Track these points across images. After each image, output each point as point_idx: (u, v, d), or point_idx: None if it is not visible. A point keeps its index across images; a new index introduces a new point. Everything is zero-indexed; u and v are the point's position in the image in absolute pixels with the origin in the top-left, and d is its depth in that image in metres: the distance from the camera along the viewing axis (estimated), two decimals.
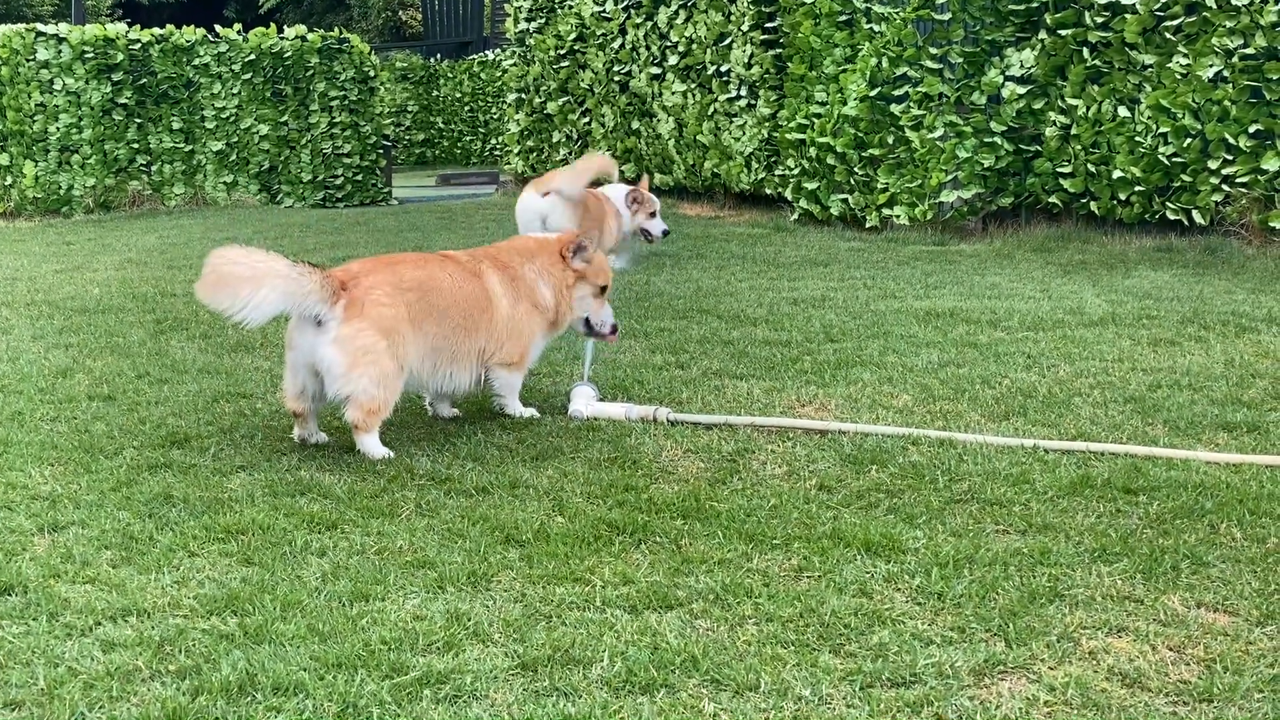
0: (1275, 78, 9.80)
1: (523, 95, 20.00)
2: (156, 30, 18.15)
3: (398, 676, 3.09)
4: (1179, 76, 10.37)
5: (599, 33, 17.60)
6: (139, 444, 5.23)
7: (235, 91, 18.44)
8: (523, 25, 19.69)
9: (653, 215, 10.26)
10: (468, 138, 31.98)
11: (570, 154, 18.71)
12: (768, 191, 14.48)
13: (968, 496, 4.42)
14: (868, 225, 12.60)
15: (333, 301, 4.98)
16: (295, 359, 5.09)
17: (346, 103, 18.97)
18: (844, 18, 12.90)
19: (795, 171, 13.56)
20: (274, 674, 3.09)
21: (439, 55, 33.84)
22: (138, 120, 17.82)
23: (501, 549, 3.97)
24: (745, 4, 14.31)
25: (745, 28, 14.37)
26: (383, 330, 5.02)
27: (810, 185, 13.32)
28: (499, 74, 28.68)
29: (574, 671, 3.12)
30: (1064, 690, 3.00)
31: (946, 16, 11.89)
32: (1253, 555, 3.81)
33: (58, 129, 17.25)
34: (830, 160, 12.95)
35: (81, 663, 3.19)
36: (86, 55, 17.35)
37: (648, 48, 16.50)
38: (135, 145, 17.81)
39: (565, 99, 18.71)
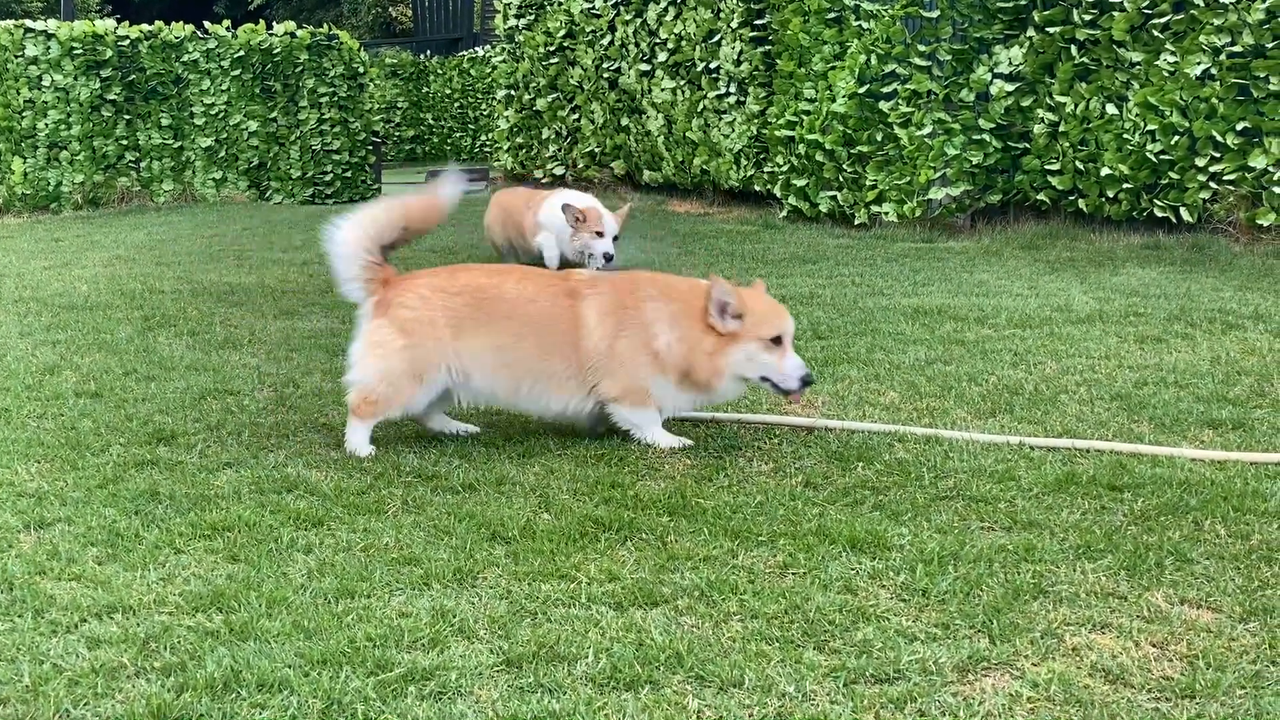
0: (1262, 75, 9.82)
1: (512, 92, 19.98)
2: (145, 26, 18.11)
3: (382, 673, 3.09)
4: (1167, 74, 10.39)
5: (588, 29, 17.60)
6: (126, 441, 5.22)
7: (224, 88, 18.40)
8: (512, 22, 19.68)
9: (599, 235, 9.07)
10: (457, 134, 31.95)
11: (560, 150, 18.70)
12: (756, 188, 14.49)
13: (953, 493, 4.43)
14: (856, 222, 12.61)
15: (367, 294, 5.15)
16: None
17: (336, 99, 18.94)
18: (833, 15, 12.91)
19: (784, 168, 13.56)
20: (259, 671, 3.09)
21: (429, 52, 33.80)
22: (127, 117, 17.79)
23: (488, 546, 3.98)
24: (734, 1, 14.31)
25: (734, 25, 14.37)
26: (401, 329, 5.05)
27: (799, 182, 13.33)
28: (488, 70, 28.65)
29: (559, 668, 3.13)
30: (1047, 686, 3.01)
31: (935, 14, 11.90)
32: (1236, 552, 3.82)
33: (46, 125, 17.21)
34: (819, 157, 12.96)
35: (66, 659, 3.19)
36: (75, 51, 17.31)
37: (637, 44, 16.49)
38: (124, 142, 17.77)
39: (554, 95, 18.69)
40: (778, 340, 4.98)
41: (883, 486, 4.54)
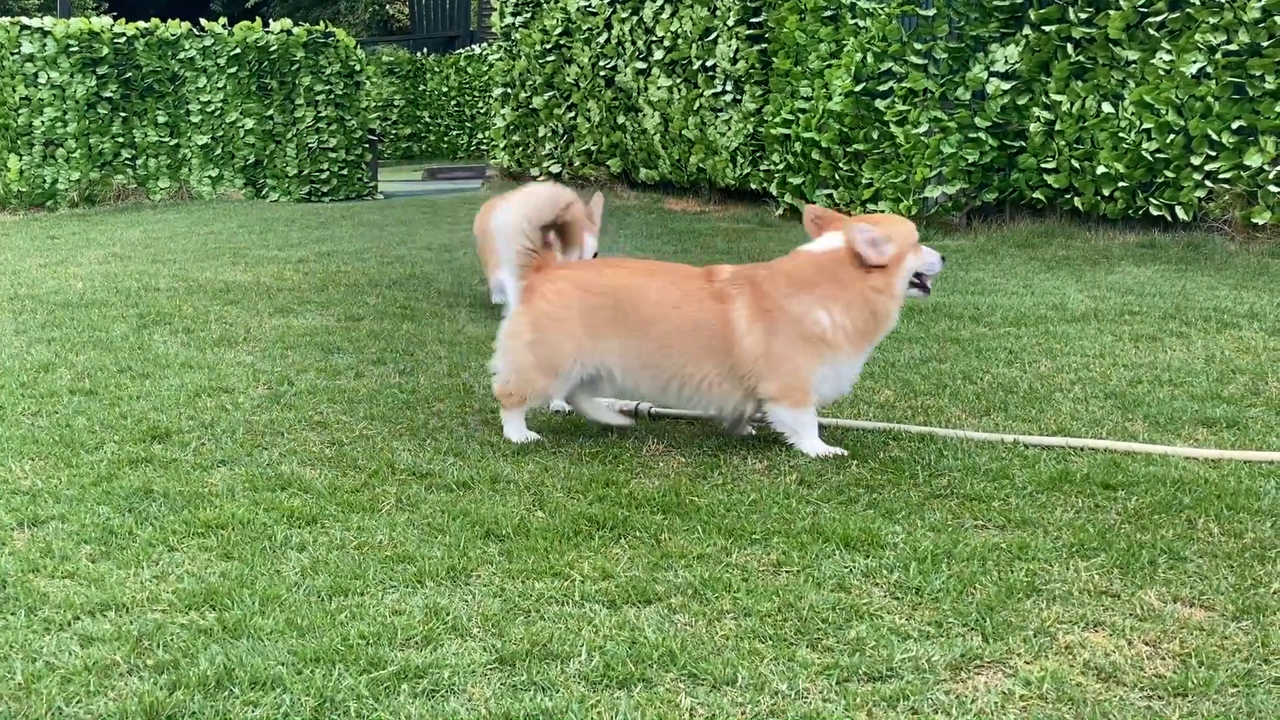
0: (1258, 74, 9.83)
1: (508, 90, 19.98)
2: (142, 24, 18.10)
3: (375, 671, 3.09)
4: (1163, 72, 10.39)
5: (584, 27, 17.59)
6: (120, 438, 5.22)
7: (220, 86, 18.39)
8: (508, 20, 19.67)
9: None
10: (454, 132, 31.95)
11: (556, 148, 18.69)
12: (753, 186, 14.49)
13: (947, 492, 4.43)
14: None
15: (519, 278, 5.22)
16: None
17: (332, 97, 18.93)
18: (829, 13, 12.91)
19: (780, 166, 13.57)
20: (252, 668, 3.08)
21: (425, 50, 33.79)
22: (123, 114, 17.78)
23: (481, 544, 3.97)
24: None
25: (731, 23, 14.37)
26: (533, 324, 5.13)
27: (795, 180, 13.33)
28: (485, 68, 28.66)
29: (552, 666, 3.13)
30: (1039, 684, 3.01)
31: (931, 12, 11.90)
32: (1229, 550, 3.83)
33: (42, 123, 17.20)
34: (815, 155, 12.96)
35: (59, 657, 3.19)
36: (71, 49, 17.30)
37: (633, 42, 16.49)
38: (120, 139, 17.76)
39: (551, 94, 18.69)
40: (917, 244, 5.10)
41: (877, 484, 4.54)
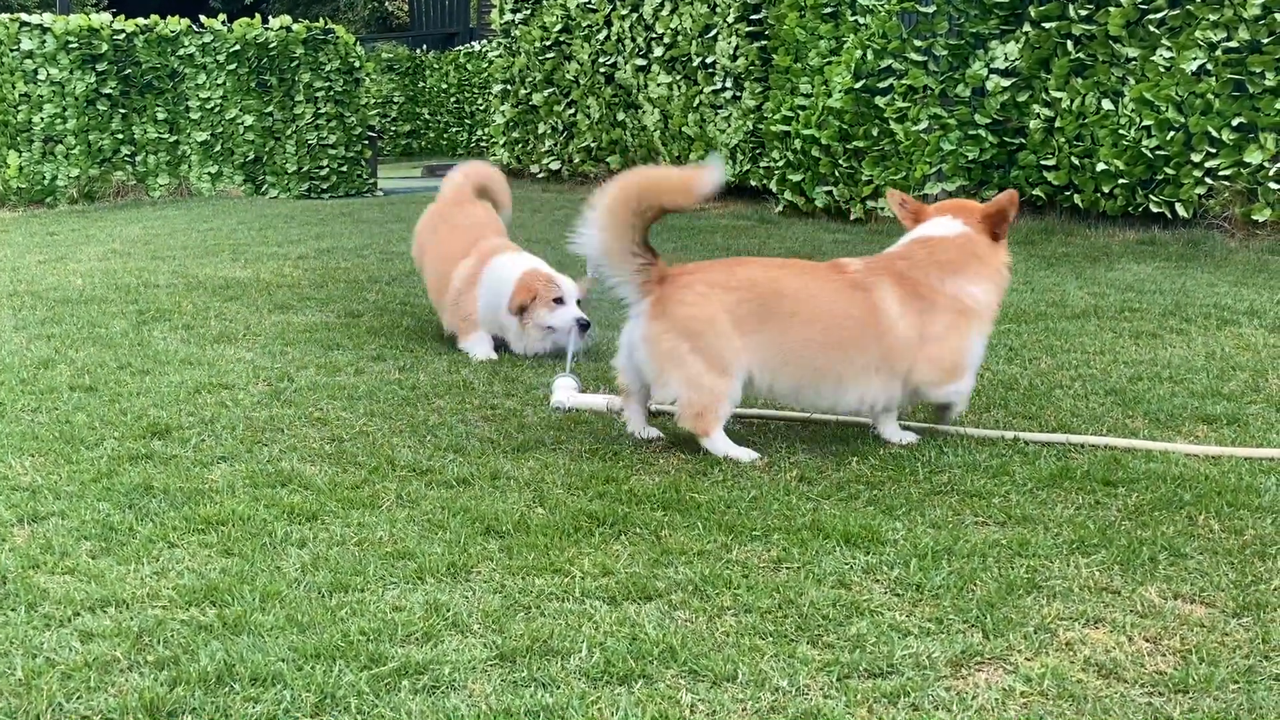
0: (1258, 71, 9.82)
1: (508, 87, 19.97)
2: (141, 20, 18.07)
3: (376, 667, 3.09)
4: (1163, 69, 10.39)
5: (584, 24, 17.59)
6: (120, 435, 5.21)
7: (220, 82, 18.37)
8: (508, 16, 19.66)
9: (559, 302, 6.83)
10: (454, 129, 31.93)
11: (556, 145, 18.68)
12: (752, 183, 14.48)
13: (947, 488, 4.43)
14: (852, 217, 12.61)
15: (642, 294, 4.93)
16: (620, 341, 5.15)
17: (332, 94, 18.91)
18: (829, 10, 12.90)
19: (780, 163, 13.56)
20: (252, 665, 3.08)
21: (425, 46, 33.77)
22: (122, 111, 17.75)
23: (481, 540, 3.97)
24: None
25: (730, 19, 14.37)
26: (684, 331, 4.83)
27: (795, 177, 13.33)
28: (485, 65, 28.64)
29: (552, 662, 3.13)
30: (1040, 681, 3.01)
31: (931, 9, 11.90)
32: (1230, 547, 3.83)
33: (42, 119, 17.17)
34: (815, 152, 12.96)
35: (60, 653, 3.19)
36: (71, 45, 17.27)
37: (633, 39, 16.49)
38: (120, 136, 17.74)
39: (551, 90, 18.68)
40: None
41: (877, 481, 4.54)
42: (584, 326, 6.73)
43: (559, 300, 6.81)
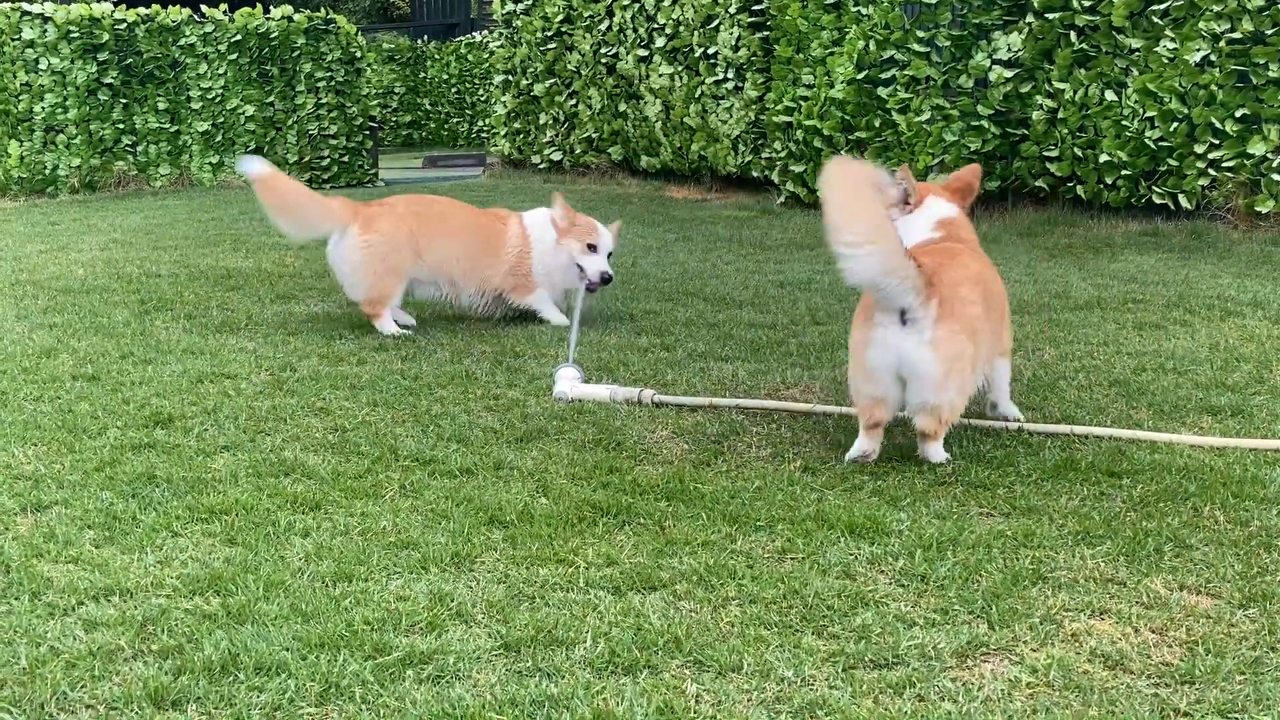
0: (1262, 62, 9.80)
1: (510, 77, 19.93)
2: (142, 10, 18.03)
3: (380, 657, 3.09)
4: (1166, 61, 10.37)
5: (586, 14, 17.55)
6: (123, 424, 5.21)
7: (221, 72, 18.35)
8: (510, 7, 19.61)
9: (592, 249, 7.23)
10: (455, 120, 31.90)
11: (557, 136, 18.66)
12: (754, 174, 14.47)
13: (952, 479, 4.43)
14: None
15: (926, 297, 4.38)
16: (877, 359, 4.49)
17: (333, 84, 18.90)
18: (831, 1, 12.88)
19: (782, 154, 13.55)
20: (256, 654, 3.08)
21: (426, 37, 33.73)
22: (123, 100, 17.73)
23: (485, 530, 3.97)
24: None
25: (732, 10, 14.35)
26: (970, 333, 4.48)
27: (797, 168, 13.31)
28: (486, 56, 28.60)
29: (557, 652, 3.12)
30: (1046, 672, 3.01)
31: (934, 0, 11.87)
32: (1235, 538, 3.82)
33: (43, 109, 17.15)
34: (817, 143, 12.94)
35: (64, 642, 3.18)
36: (72, 35, 17.24)
37: (635, 30, 16.45)
38: (121, 125, 17.71)
39: (552, 81, 18.65)
40: None
41: (881, 471, 4.53)
42: (606, 280, 7.11)
43: (593, 247, 7.24)
